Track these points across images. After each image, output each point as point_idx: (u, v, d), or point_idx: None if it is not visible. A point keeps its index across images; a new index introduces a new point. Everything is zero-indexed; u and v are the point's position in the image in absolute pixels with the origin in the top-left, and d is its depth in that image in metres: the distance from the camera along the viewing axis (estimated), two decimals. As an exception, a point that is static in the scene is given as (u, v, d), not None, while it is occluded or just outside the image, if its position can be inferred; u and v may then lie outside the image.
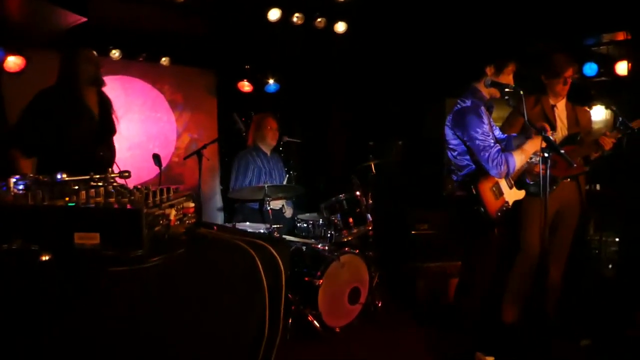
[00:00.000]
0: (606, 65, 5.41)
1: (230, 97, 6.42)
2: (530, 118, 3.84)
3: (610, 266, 5.31)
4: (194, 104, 6.45)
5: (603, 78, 5.48)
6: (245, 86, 6.33)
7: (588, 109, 4.17)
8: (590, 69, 5.42)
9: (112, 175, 1.97)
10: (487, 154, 3.05)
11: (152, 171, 5.96)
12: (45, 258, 1.24)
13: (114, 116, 3.60)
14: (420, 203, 5.21)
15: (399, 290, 4.83)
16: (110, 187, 1.60)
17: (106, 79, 3.58)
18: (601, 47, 5.58)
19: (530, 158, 3.31)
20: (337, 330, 4.09)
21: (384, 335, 4.11)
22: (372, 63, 5.98)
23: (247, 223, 4.54)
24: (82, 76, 3.35)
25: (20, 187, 1.78)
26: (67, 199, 1.46)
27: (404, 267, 4.88)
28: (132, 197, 1.49)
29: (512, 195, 3.26)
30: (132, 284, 1.27)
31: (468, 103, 3.19)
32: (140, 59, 5.76)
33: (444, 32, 5.33)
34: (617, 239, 5.27)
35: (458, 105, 3.24)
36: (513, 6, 4.90)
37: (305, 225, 4.66)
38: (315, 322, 3.97)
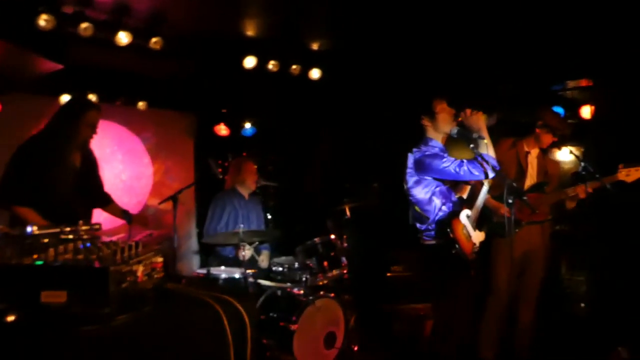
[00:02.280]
0: (572, 109, 5.63)
1: (207, 140, 6.46)
2: (504, 161, 3.99)
3: (582, 305, 5.38)
4: (170, 147, 6.47)
5: (569, 121, 5.68)
6: (222, 130, 6.39)
7: (557, 161, 4.33)
8: (558, 112, 5.60)
9: (83, 228, 1.98)
10: (465, 167, 3.11)
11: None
12: (11, 319, 1.25)
13: (98, 172, 3.60)
14: (396, 245, 5.26)
15: (376, 333, 4.82)
16: (80, 242, 1.61)
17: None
18: (567, 92, 5.82)
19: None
20: (313, 375, 4.05)
21: (359, 380, 4.09)
22: (347, 107, 6.11)
23: (222, 267, 4.53)
24: (76, 140, 3.32)
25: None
26: (35, 256, 1.47)
27: (380, 309, 4.88)
28: (100, 254, 1.50)
29: (477, 236, 3.33)
30: (100, 343, 1.28)
31: (423, 150, 3.31)
32: (118, 103, 5.79)
33: (417, 78, 5.50)
34: (587, 279, 5.37)
35: (417, 154, 3.33)
36: (482, 55, 5.08)
37: (280, 269, 4.65)
38: (291, 368, 3.94)
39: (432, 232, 3.28)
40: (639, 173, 3.66)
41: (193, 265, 6.19)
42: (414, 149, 3.37)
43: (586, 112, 5.51)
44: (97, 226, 2.08)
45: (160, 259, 1.67)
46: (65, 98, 5.29)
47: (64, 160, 3.27)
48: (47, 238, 1.84)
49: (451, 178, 3.22)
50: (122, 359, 1.32)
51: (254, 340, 1.59)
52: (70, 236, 1.90)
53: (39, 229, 1.90)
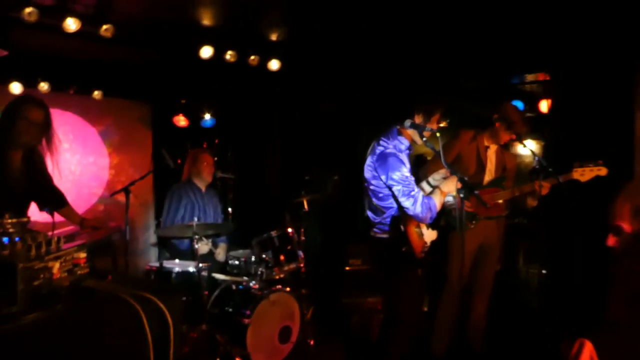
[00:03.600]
0: (531, 103, 5.69)
1: (166, 131, 6.33)
2: (463, 153, 4.00)
3: (539, 295, 5.48)
4: (128, 138, 6.31)
5: (528, 114, 5.75)
6: (181, 120, 6.27)
7: (515, 156, 4.33)
8: (517, 106, 5.66)
9: (8, 221, 1.89)
10: (413, 200, 3.08)
11: (83, 207, 5.80)
12: None
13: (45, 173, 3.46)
14: (355, 238, 5.24)
15: (334, 327, 4.80)
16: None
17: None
18: (526, 86, 5.88)
19: (448, 199, 3.39)
20: (267, 370, 4.02)
21: (315, 374, 4.07)
22: (307, 98, 6.06)
23: (177, 261, 4.46)
24: (14, 139, 3.12)
25: None
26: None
27: (338, 303, 4.87)
28: (14, 250, 1.42)
29: (429, 235, 3.32)
30: (5, 342, 1.20)
31: (390, 146, 3.24)
32: (71, 92, 5.61)
33: (378, 68, 5.48)
34: (542, 270, 5.46)
35: (381, 147, 3.26)
36: (443, 48, 5.08)
37: (237, 262, 4.59)
38: (244, 362, 3.89)
39: (385, 227, 3.25)
40: (593, 173, 3.68)
41: (151, 258, 6.08)
42: (381, 140, 3.31)
43: (544, 106, 5.59)
44: (24, 219, 1.98)
45: (83, 255, 1.60)
46: (15, 86, 5.11)
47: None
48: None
49: (396, 193, 3.14)
50: (30, 359, 1.25)
51: (177, 340, 1.54)
52: (-5, 230, 1.81)
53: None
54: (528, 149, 3.94)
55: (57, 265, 1.45)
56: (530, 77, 5.72)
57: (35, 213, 3.32)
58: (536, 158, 3.81)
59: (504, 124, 3.91)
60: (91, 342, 1.40)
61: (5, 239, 1.53)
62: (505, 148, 4.21)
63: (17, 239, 1.55)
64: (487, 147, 4.05)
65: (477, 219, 3.88)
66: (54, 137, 3.30)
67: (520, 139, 4.00)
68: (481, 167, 3.98)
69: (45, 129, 3.23)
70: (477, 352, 4.06)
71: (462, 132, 4.10)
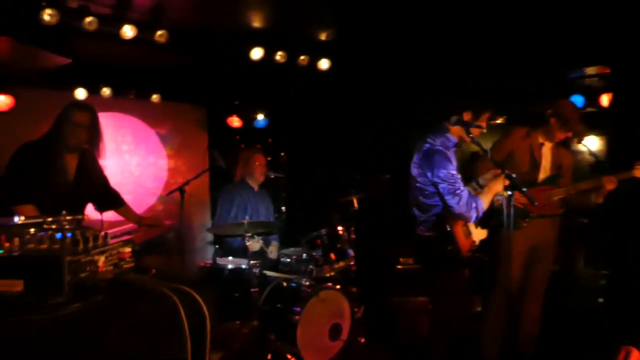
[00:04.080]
0: (591, 97, 5.48)
1: (221, 132, 6.51)
2: (516, 151, 3.91)
3: (600, 300, 5.25)
4: (185, 140, 6.53)
5: (589, 109, 5.54)
6: (235, 122, 6.42)
7: (572, 153, 4.18)
8: (577, 101, 5.46)
9: (65, 218, 2.00)
10: (458, 199, 3.05)
11: (143, 206, 6.05)
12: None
13: (100, 174, 3.62)
14: (406, 237, 5.20)
15: (383, 326, 4.79)
16: (49, 233, 1.63)
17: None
18: (585, 80, 5.65)
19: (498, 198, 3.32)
20: (317, 367, 4.06)
21: (364, 372, 4.08)
22: (360, 97, 6.06)
23: (230, 258, 4.58)
24: (65, 143, 3.32)
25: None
26: (-3, 246, 1.49)
27: (388, 302, 4.85)
28: (62, 244, 1.52)
29: (478, 234, 3.27)
30: (49, 331, 1.29)
31: (437, 143, 3.21)
32: (131, 96, 5.87)
33: (430, 65, 5.41)
34: (605, 272, 5.24)
35: (427, 145, 3.24)
36: (497, 44, 4.97)
37: (288, 260, 4.67)
38: (294, 358, 3.95)
39: (430, 224, 3.22)
40: None
41: (207, 256, 6.25)
42: (428, 137, 3.30)
43: (605, 100, 5.36)
44: (79, 217, 2.10)
45: (128, 250, 1.69)
46: (79, 92, 5.40)
47: (55, 165, 3.29)
48: (31, 227, 1.88)
49: (442, 192, 3.12)
50: (72, 346, 1.33)
51: (213, 332, 1.59)
52: (54, 226, 1.93)
53: (25, 219, 1.94)
54: (584, 146, 3.80)
55: (102, 259, 1.54)
56: (589, 71, 5.50)
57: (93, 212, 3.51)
58: (593, 155, 3.67)
59: (558, 121, 3.79)
60: (130, 332, 1.48)
61: (58, 235, 1.63)
62: (563, 146, 4.08)
63: (69, 234, 1.65)
64: (542, 145, 3.93)
65: (530, 218, 3.76)
66: (102, 140, 3.47)
67: (577, 137, 3.86)
68: (535, 164, 3.87)
69: (93, 132, 3.41)
70: (527, 357, 3.94)
71: (515, 129, 4.00)
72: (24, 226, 1.88)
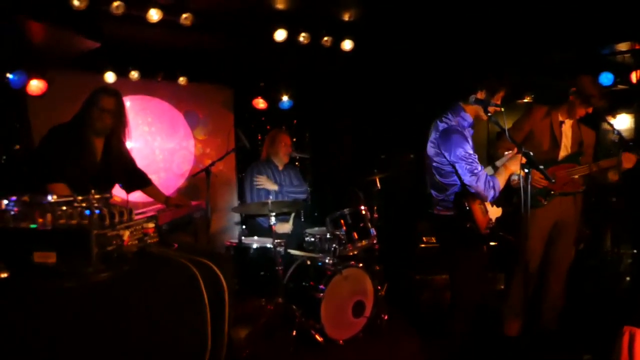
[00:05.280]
0: (622, 75, 5.37)
1: (246, 113, 6.60)
2: (536, 130, 3.90)
3: (627, 279, 5.22)
4: (211, 121, 6.64)
5: (620, 87, 5.44)
6: (260, 103, 6.49)
7: (593, 131, 4.14)
8: (607, 78, 5.38)
9: (95, 197, 2.11)
10: (476, 178, 3.06)
11: (172, 187, 6.20)
12: (3, 275, 1.38)
13: (124, 158, 3.72)
14: (429, 216, 5.23)
15: (406, 303, 4.85)
16: (79, 209, 1.73)
17: (126, 98, 3.74)
18: (616, 56, 5.53)
19: (512, 176, 3.32)
20: (341, 342, 4.15)
21: (387, 348, 4.15)
22: (382, 77, 6.06)
23: (255, 237, 4.68)
24: (92, 126, 3.42)
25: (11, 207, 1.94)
26: (30, 221, 1.60)
27: (411, 279, 4.90)
28: (90, 220, 1.62)
29: (494, 212, 3.28)
30: (80, 297, 1.40)
31: (453, 122, 3.21)
32: (159, 79, 5.98)
33: (453, 44, 5.36)
34: (633, 251, 5.19)
35: (444, 124, 3.23)
36: (527, 20, 4.89)
37: (312, 239, 4.75)
38: (318, 334, 4.05)
39: (449, 204, 3.24)
40: None
41: (234, 236, 6.39)
42: (443, 116, 3.29)
43: (635, 77, 5.25)
44: (107, 195, 2.19)
45: (152, 225, 1.78)
46: (109, 75, 5.53)
47: (83, 148, 3.40)
48: (64, 205, 1.98)
49: (460, 171, 3.12)
50: (101, 310, 1.44)
51: (231, 303, 1.68)
52: (83, 204, 2.04)
53: (58, 197, 2.05)
54: (607, 122, 3.76)
55: (127, 233, 1.64)
56: (620, 47, 5.37)
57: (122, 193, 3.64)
58: (616, 132, 3.63)
59: (579, 97, 3.75)
60: (152, 301, 1.58)
61: (87, 212, 1.73)
62: (588, 123, 4.03)
63: (97, 211, 1.75)
64: (562, 123, 3.90)
65: (551, 196, 3.76)
66: (127, 124, 3.57)
67: (601, 114, 3.81)
68: (555, 143, 3.85)
69: (118, 116, 3.51)
70: (551, 332, 3.96)
71: (535, 108, 3.99)
72: (57, 204, 1.99)
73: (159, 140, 6.29)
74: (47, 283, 1.41)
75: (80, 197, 2.07)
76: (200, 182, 6.04)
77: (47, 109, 5.06)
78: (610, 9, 4.50)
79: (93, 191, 2.15)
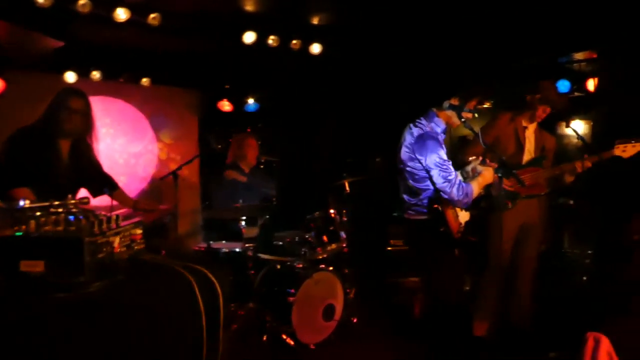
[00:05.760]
0: (579, 82, 5.57)
1: (212, 116, 6.50)
2: (501, 136, 4.01)
3: (584, 278, 5.40)
4: (175, 124, 6.51)
5: (576, 94, 5.64)
6: (226, 105, 6.42)
7: (554, 136, 4.29)
8: (564, 85, 5.56)
9: (71, 202, 2.04)
10: (449, 185, 3.11)
11: (134, 191, 6.05)
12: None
13: (94, 160, 3.60)
14: (397, 220, 5.29)
15: (377, 306, 4.89)
16: (62, 215, 1.67)
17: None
18: (573, 65, 5.74)
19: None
20: (312, 346, 4.14)
21: (358, 351, 4.17)
22: (351, 81, 6.10)
23: (224, 242, 4.62)
24: (61, 128, 3.29)
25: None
26: (16, 228, 1.53)
27: (380, 282, 4.94)
28: (79, 226, 1.56)
29: (463, 216, 3.35)
30: (74, 308, 1.34)
31: (427, 128, 3.26)
32: (121, 80, 5.83)
33: (420, 51, 5.45)
34: (590, 251, 5.38)
35: (418, 129, 3.28)
36: (489, 27, 5.02)
37: (281, 243, 4.73)
38: (289, 339, 4.03)
39: (421, 208, 3.29)
40: (635, 149, 3.66)
41: (199, 239, 6.28)
42: (417, 122, 3.33)
43: (591, 85, 5.46)
44: (85, 200, 2.13)
45: (139, 231, 1.74)
46: (69, 75, 5.35)
47: (49, 150, 3.27)
48: (38, 211, 1.91)
49: (434, 177, 3.16)
50: (96, 324, 1.38)
51: (226, 309, 1.65)
52: (59, 210, 1.96)
53: (30, 203, 1.97)
54: (571, 128, 3.90)
55: (117, 240, 1.59)
56: (577, 56, 5.58)
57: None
58: (579, 138, 3.78)
59: (543, 103, 3.89)
60: (149, 309, 1.53)
61: (71, 217, 1.67)
62: (547, 129, 4.18)
63: (81, 217, 1.69)
64: (525, 128, 4.03)
65: (518, 199, 3.87)
66: (95, 125, 3.47)
67: (566, 121, 3.95)
68: (520, 147, 3.98)
69: (87, 118, 3.41)
70: (521, 333, 4.07)
71: (500, 114, 4.10)
72: (31, 210, 1.91)
73: (121, 143, 6.13)
74: (35, 294, 1.34)
75: (56, 202, 2.00)
76: (163, 185, 5.94)
77: (4, 109, 4.86)
78: (568, 20, 4.68)
79: (70, 196, 2.08)
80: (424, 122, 3.30)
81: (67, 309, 1.35)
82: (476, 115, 3.18)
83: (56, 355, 1.30)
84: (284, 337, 4.04)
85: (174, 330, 1.55)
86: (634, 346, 2.03)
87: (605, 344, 2.08)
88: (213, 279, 1.65)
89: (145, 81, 5.94)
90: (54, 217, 1.62)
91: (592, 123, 5.74)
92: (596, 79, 5.32)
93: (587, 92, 5.54)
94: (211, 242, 4.53)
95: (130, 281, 1.54)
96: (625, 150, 3.66)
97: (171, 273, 1.62)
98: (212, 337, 1.62)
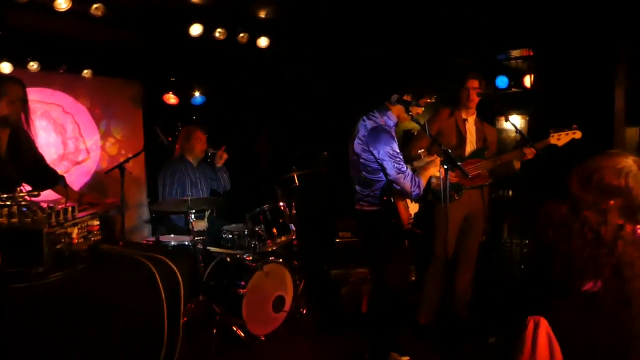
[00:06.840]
0: (516, 78, 5.82)
1: (156, 109, 6.37)
2: (444, 129, 4.15)
3: (522, 267, 5.66)
4: (118, 116, 6.37)
5: (514, 90, 5.89)
6: (171, 98, 6.30)
7: (495, 129, 4.48)
8: (502, 81, 5.80)
9: (21, 194, 1.99)
10: (403, 176, 3.20)
11: (75, 184, 5.87)
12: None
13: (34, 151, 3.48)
14: (345, 212, 5.38)
15: (324, 297, 4.96)
16: (15, 207, 1.64)
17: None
18: (511, 62, 5.99)
19: (431, 178, 3.52)
20: (262, 338, 4.18)
21: (308, 342, 4.24)
22: (298, 75, 6.14)
23: (172, 235, 4.58)
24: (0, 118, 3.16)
25: None
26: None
27: (329, 274, 5.02)
28: (35, 217, 1.54)
29: (413, 208, 3.46)
30: (32, 299, 1.33)
31: (380, 122, 3.34)
32: (61, 71, 5.63)
33: (368, 46, 5.56)
34: (527, 242, 5.64)
35: (372, 122, 3.36)
36: (432, 26, 5.17)
37: (230, 236, 4.73)
38: (240, 331, 4.05)
39: (374, 199, 3.37)
40: (568, 137, 3.87)
41: (144, 234, 6.18)
42: (370, 114, 3.41)
43: (527, 81, 5.73)
44: (35, 192, 2.08)
45: (96, 222, 1.72)
46: (4, 65, 5.13)
47: None
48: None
49: (387, 169, 3.24)
50: (56, 314, 1.38)
51: (186, 298, 1.67)
52: (8, 202, 1.91)
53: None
54: (510, 122, 4.08)
55: (75, 231, 1.57)
56: (515, 53, 5.84)
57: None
58: (517, 132, 3.96)
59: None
60: (111, 298, 1.53)
61: (24, 209, 1.64)
62: (488, 121, 4.36)
63: (34, 208, 1.66)
64: (465, 120, 4.19)
65: (462, 190, 4.03)
66: (30, 113, 3.37)
67: (503, 113, 4.12)
68: (461, 139, 4.13)
69: (24, 105, 3.31)
70: (462, 320, 4.24)
71: (441, 109, 4.25)
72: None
73: (62, 135, 5.94)
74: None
75: (4, 195, 1.95)
76: (107, 179, 5.80)
77: None
78: (506, 19, 4.89)
79: (19, 189, 2.04)
80: (377, 114, 3.38)
81: (25, 299, 1.33)
82: (422, 110, 3.29)
83: (16, 345, 1.29)
84: (234, 329, 4.05)
85: (135, 318, 1.55)
86: (570, 325, 2.16)
87: (544, 325, 2.20)
88: (175, 268, 1.66)
89: (86, 72, 5.75)
90: (5, 209, 1.58)
91: (528, 117, 6.01)
92: (532, 76, 5.55)
93: (524, 88, 5.79)
94: (159, 235, 4.47)
95: (90, 271, 1.53)
96: (559, 139, 3.87)
97: (132, 262, 1.62)
98: (172, 324, 1.63)
